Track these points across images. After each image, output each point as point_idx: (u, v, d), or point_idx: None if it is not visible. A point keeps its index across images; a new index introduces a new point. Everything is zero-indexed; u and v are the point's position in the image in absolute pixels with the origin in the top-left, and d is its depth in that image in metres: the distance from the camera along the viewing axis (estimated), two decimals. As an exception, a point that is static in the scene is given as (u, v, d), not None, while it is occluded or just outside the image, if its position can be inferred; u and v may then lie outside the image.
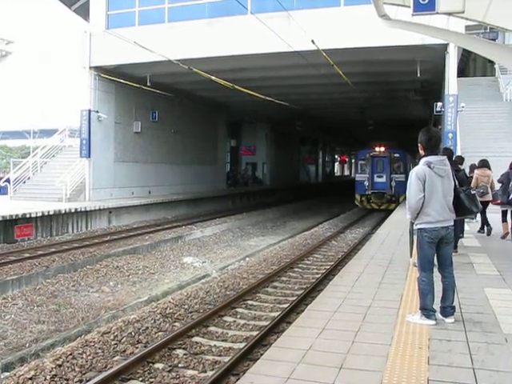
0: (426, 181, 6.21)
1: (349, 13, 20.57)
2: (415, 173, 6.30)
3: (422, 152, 6.61)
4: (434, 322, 6.22)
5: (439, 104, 21.89)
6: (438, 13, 10.62)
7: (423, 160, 6.41)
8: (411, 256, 10.07)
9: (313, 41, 18.24)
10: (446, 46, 20.16)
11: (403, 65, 23.13)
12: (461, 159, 12.84)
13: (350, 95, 30.12)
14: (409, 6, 10.92)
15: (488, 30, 31.83)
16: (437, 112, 22.36)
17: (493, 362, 5.05)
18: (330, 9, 21.33)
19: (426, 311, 6.29)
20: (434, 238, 6.27)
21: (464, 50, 20.94)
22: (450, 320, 6.32)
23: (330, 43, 19.76)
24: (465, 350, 5.38)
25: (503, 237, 13.45)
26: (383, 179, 31.84)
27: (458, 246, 11.43)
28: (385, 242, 13.24)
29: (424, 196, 6.19)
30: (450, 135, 20.64)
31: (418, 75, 22.75)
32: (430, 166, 6.26)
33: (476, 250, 11.68)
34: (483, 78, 36.36)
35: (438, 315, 6.37)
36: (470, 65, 41.35)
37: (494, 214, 14.22)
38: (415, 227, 6.47)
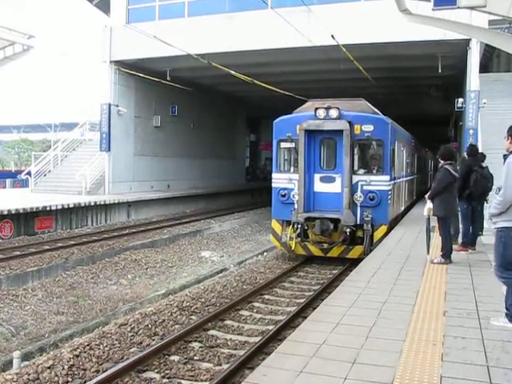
0: None
1: (369, 7, 20.44)
2: None
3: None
4: None
5: (460, 100, 21.61)
6: (459, 7, 10.51)
7: None
8: (428, 253, 10.02)
9: (333, 36, 18.15)
10: (468, 41, 19.92)
11: (424, 60, 22.90)
12: (483, 156, 12.71)
13: (370, 91, 29.90)
14: (429, 0, 10.83)
15: (514, 25, 31.33)
16: (458, 108, 22.09)
17: (508, 361, 5.01)
18: (350, 3, 21.24)
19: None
20: None
21: (487, 44, 20.63)
22: None
23: (349, 38, 19.65)
24: (479, 348, 5.35)
25: None
26: (334, 186, 14.27)
27: (476, 243, 11.33)
28: (402, 238, 13.17)
29: None
30: (471, 132, 20.40)
31: (439, 71, 22.52)
32: None
33: (495, 248, 11.53)
34: (507, 73, 35.78)
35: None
36: (494, 60, 40.72)
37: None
38: (497, 225, 5.98)
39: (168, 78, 26.56)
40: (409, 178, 20.39)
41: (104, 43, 25.83)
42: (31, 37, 25.74)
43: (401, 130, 18.33)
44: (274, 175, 15.01)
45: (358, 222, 13.81)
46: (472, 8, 11.84)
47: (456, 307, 6.81)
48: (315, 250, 14.32)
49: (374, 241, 13.52)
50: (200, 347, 8.31)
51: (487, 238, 12.69)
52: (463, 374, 4.67)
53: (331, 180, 14.28)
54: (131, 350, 8.17)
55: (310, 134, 14.10)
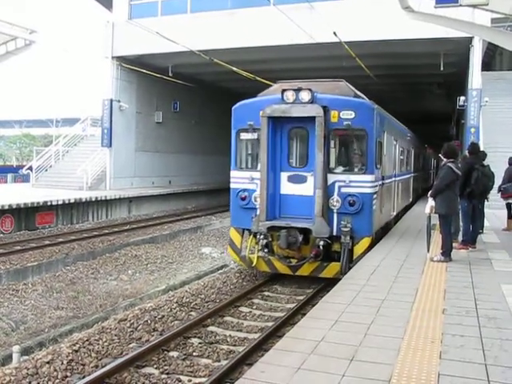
0: None
1: (371, 5, 20.41)
2: None
3: None
4: None
5: (462, 98, 21.64)
6: (461, 5, 10.51)
7: None
8: (428, 251, 10.02)
9: (335, 33, 18.12)
10: (470, 39, 19.95)
11: (426, 58, 22.89)
12: (484, 154, 12.70)
13: (372, 88, 29.85)
14: (431, -2, 10.81)
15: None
16: (460, 106, 22.12)
17: (506, 359, 5.00)
18: (352, 0, 21.19)
19: None
20: None
21: (490, 43, 20.62)
22: None
23: (352, 35, 19.63)
24: (478, 346, 5.34)
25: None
26: (305, 188, 11.60)
27: (477, 241, 11.33)
28: (403, 236, 13.15)
29: None
30: (473, 130, 20.43)
31: (441, 68, 22.52)
32: None
33: (495, 246, 11.55)
34: (509, 72, 35.71)
35: None
36: (496, 58, 40.65)
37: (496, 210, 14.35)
38: None
39: (170, 74, 26.56)
40: (403, 177, 17.98)
41: (106, 39, 25.85)
42: (33, 32, 25.72)
43: (392, 119, 15.41)
44: (233, 173, 12.25)
45: (335, 233, 11.17)
46: (474, 6, 11.86)
47: (455, 305, 6.80)
48: (281, 267, 11.64)
49: (355, 257, 10.98)
50: (199, 343, 8.32)
51: (487, 237, 12.72)
52: (461, 372, 4.67)
53: (302, 180, 11.53)
54: (130, 346, 8.18)
55: (275, 122, 11.45)
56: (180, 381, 6.90)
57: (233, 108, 12.29)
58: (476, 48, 20.35)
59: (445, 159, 9.93)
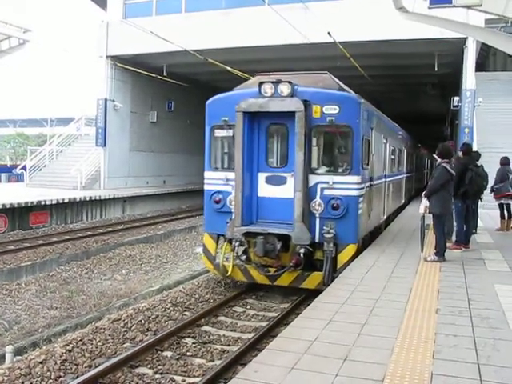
0: None
1: (366, 5, 20.45)
2: None
3: None
4: None
5: (456, 99, 21.73)
6: (454, 6, 10.54)
7: None
8: (422, 251, 10.04)
9: (329, 33, 18.15)
10: (464, 40, 20.01)
11: (421, 58, 22.94)
12: (477, 155, 12.76)
13: (367, 88, 29.90)
14: (426, -1, 10.84)
15: (510, 24, 31.37)
16: (454, 107, 22.21)
17: (499, 359, 5.02)
18: (346, 1, 21.22)
19: None
20: None
21: (484, 43, 20.70)
22: None
23: (346, 36, 19.66)
24: (471, 346, 5.36)
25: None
26: (285, 190, 10.64)
27: (470, 241, 11.36)
28: (397, 236, 13.18)
29: None
30: (467, 130, 20.50)
31: (436, 69, 22.58)
32: None
33: (488, 246, 11.59)
34: (503, 72, 35.85)
35: None
36: (490, 59, 40.81)
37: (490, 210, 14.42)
38: None
39: (165, 74, 26.53)
40: (395, 178, 17.09)
41: (101, 38, 25.81)
42: (27, 31, 25.65)
43: (382, 116, 14.32)
44: (206, 174, 11.30)
45: (317, 240, 10.26)
46: (468, 7, 11.89)
47: (448, 305, 6.82)
48: (258, 277, 10.73)
49: (339, 265, 10.09)
50: (193, 343, 8.32)
51: (481, 237, 12.76)
52: (454, 372, 4.68)
53: (281, 181, 10.61)
54: (124, 346, 8.17)
55: (251, 117, 10.55)
56: (174, 381, 6.89)
57: (207, 103, 11.49)
58: (470, 49, 20.42)
59: (439, 159, 9.97)
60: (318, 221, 10.27)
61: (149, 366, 7.39)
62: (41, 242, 17.29)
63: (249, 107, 10.38)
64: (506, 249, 11.29)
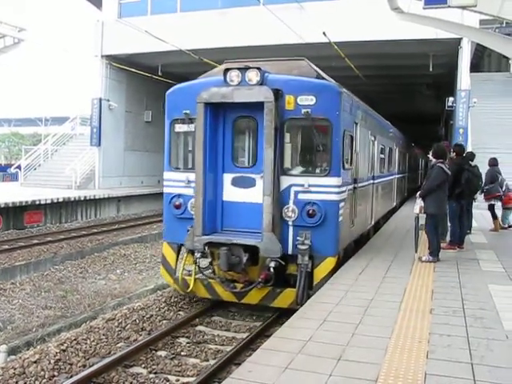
0: None
1: (361, 5, 20.52)
2: None
3: None
4: None
5: (451, 99, 21.82)
6: (449, 6, 10.56)
7: None
8: (416, 251, 10.06)
9: (324, 33, 18.16)
10: (459, 41, 20.08)
11: (415, 58, 23.01)
12: (472, 155, 12.79)
13: (362, 88, 29.94)
14: None
15: (504, 25, 31.48)
16: (448, 107, 22.29)
17: (492, 358, 5.04)
18: (342, 1, 21.28)
19: None
20: None
21: (478, 44, 20.77)
22: None
23: (341, 36, 19.70)
24: (464, 346, 5.38)
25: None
26: (254, 194, 9.23)
27: (464, 241, 11.39)
28: (391, 236, 13.21)
29: None
30: (461, 131, 20.58)
31: (431, 69, 22.67)
32: None
33: (482, 247, 11.63)
34: (497, 73, 35.96)
35: None
36: (485, 60, 40.96)
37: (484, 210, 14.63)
38: None
39: (159, 73, 26.50)
40: (384, 179, 15.92)
41: (96, 37, 25.80)
42: (22, 30, 25.55)
43: (369, 110, 12.93)
44: (166, 175, 10.02)
45: (290, 252, 8.95)
46: (463, 7, 11.90)
47: (443, 305, 6.84)
48: (224, 293, 9.37)
49: (316, 281, 8.81)
50: (187, 343, 8.30)
51: (475, 237, 12.80)
52: (448, 372, 4.70)
53: (250, 183, 9.28)
54: (118, 345, 8.15)
55: (215, 109, 9.22)
56: (168, 380, 6.88)
57: (166, 93, 9.99)
58: (465, 49, 20.50)
59: (434, 159, 9.98)
60: (291, 230, 8.96)
61: (143, 365, 7.37)
62: (35, 241, 17.25)
63: (211, 97, 9.02)
64: (500, 249, 11.35)
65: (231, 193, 9.42)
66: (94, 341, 8.17)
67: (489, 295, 7.43)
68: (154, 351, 7.84)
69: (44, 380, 6.78)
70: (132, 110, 28.67)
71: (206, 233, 9.10)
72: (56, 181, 25.50)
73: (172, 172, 9.86)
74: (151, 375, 7.04)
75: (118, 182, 27.46)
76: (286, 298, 8.90)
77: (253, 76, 8.82)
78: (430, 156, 10.33)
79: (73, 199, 22.05)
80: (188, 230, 9.21)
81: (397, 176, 19.64)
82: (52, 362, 7.23)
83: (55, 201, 20.95)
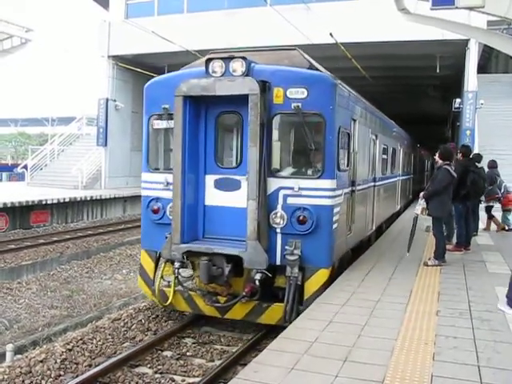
0: None
1: (367, 6, 20.46)
2: None
3: None
4: None
5: (458, 100, 21.74)
6: (457, 7, 10.49)
7: None
8: (408, 251, 9.92)
9: (331, 34, 18.14)
10: (466, 42, 20.02)
11: (422, 60, 22.94)
12: (479, 157, 12.74)
13: (368, 89, 29.87)
14: (428, 0, 10.82)
15: (512, 26, 31.36)
16: (455, 108, 22.21)
17: (499, 361, 5.02)
18: (349, 2, 21.27)
19: None
20: None
21: (486, 45, 20.71)
22: None
23: (348, 36, 19.69)
24: (471, 348, 5.36)
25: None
26: (239, 197, 8.25)
27: (471, 243, 11.34)
28: (397, 238, 13.17)
29: None
30: (468, 132, 20.51)
31: (438, 71, 22.60)
32: None
33: (489, 248, 11.59)
34: (505, 74, 35.84)
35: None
36: (492, 61, 40.82)
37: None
38: None
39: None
40: (387, 181, 15.01)
41: (102, 38, 25.86)
42: (29, 30, 25.70)
43: (370, 107, 11.89)
44: (144, 176, 9.15)
45: (278, 263, 8.06)
46: (470, 8, 11.82)
47: (449, 307, 6.82)
48: (205, 308, 8.48)
49: (306, 296, 7.91)
50: (193, 343, 8.31)
51: (481, 239, 12.75)
52: (454, 374, 4.68)
53: (234, 186, 8.41)
54: (124, 345, 8.17)
55: (196, 104, 8.38)
56: (173, 380, 6.89)
57: (144, 87, 9.17)
58: (472, 50, 20.44)
59: (440, 161, 9.91)
60: (279, 238, 8.05)
61: (149, 365, 7.38)
62: (41, 241, 17.29)
63: (190, 90, 8.14)
64: (507, 251, 11.29)
65: (214, 196, 8.56)
66: (99, 340, 8.20)
67: (495, 297, 7.40)
68: (159, 351, 7.85)
69: (50, 379, 6.81)
70: (138, 110, 28.63)
71: (185, 240, 8.21)
72: (62, 181, 25.58)
73: (150, 173, 9.03)
74: (157, 375, 7.05)
75: (124, 182, 27.51)
76: (273, 313, 8.01)
77: (237, 66, 7.97)
78: (437, 157, 10.25)
79: (79, 199, 22.11)
80: (166, 237, 8.35)
81: (401, 178, 18.78)
82: (58, 361, 7.26)
83: (61, 201, 21.01)
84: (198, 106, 8.39)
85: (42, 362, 7.18)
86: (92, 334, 8.44)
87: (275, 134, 8.24)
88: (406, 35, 19.43)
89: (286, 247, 7.91)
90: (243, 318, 8.29)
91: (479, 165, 12.17)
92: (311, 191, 7.95)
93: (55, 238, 17.80)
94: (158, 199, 8.71)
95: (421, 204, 9.65)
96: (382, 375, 4.64)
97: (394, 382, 4.50)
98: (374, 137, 12.10)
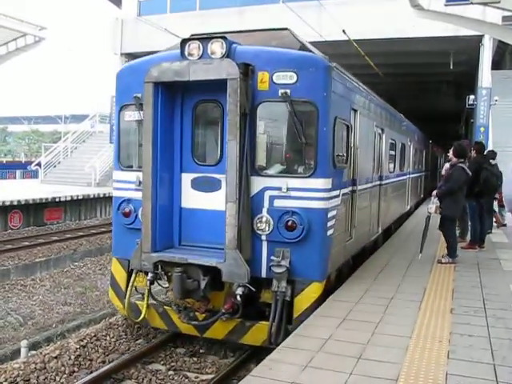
0: None
1: (381, 2, 20.32)
2: None
3: None
4: None
5: (472, 97, 21.52)
6: (472, 3, 10.44)
7: None
8: (421, 251, 9.57)
9: (344, 31, 18.04)
10: (480, 38, 19.82)
11: (436, 56, 22.76)
12: (493, 154, 12.62)
13: (381, 87, 29.72)
14: (441, -4, 10.76)
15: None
16: (469, 105, 21.98)
17: (515, 359, 4.99)
18: (361, -2, 21.12)
19: None
20: None
21: (500, 41, 20.52)
22: None
23: (360, 33, 19.54)
24: (486, 346, 5.32)
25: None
26: (220, 199, 7.04)
27: (485, 241, 11.25)
28: (411, 235, 13.09)
29: None
30: (482, 129, 20.32)
31: (451, 67, 22.40)
32: None
33: (503, 246, 11.50)
34: (519, 71, 35.52)
35: None
36: (507, 57, 40.40)
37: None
38: None
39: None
40: (395, 179, 13.90)
41: (115, 36, 25.95)
42: (43, 28, 25.81)
43: (374, 96, 10.55)
44: (115, 175, 8.23)
45: (264, 275, 7.00)
46: (485, 4, 11.76)
47: (463, 305, 6.77)
48: (182, 325, 7.45)
49: (296, 314, 6.86)
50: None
51: (496, 236, 12.66)
52: (469, 372, 4.65)
53: (214, 186, 7.36)
54: (138, 342, 8.21)
55: (170, 91, 7.28)
56: (187, 377, 6.91)
57: (116, 74, 7.97)
58: (486, 46, 20.24)
59: (455, 159, 9.77)
60: (264, 246, 6.98)
61: (162, 362, 7.41)
62: (55, 238, 17.40)
63: (161, 75, 7.00)
64: (522, 249, 11.20)
65: (191, 198, 7.49)
66: (113, 337, 8.24)
67: (510, 295, 7.35)
68: (173, 348, 7.87)
69: (64, 375, 6.86)
70: (151, 107, 28.80)
71: (158, 249, 7.16)
72: (75, 178, 25.73)
73: (121, 171, 8.01)
74: (170, 372, 7.08)
75: (136, 179, 27.58)
76: (257, 333, 6.94)
77: (216, 48, 6.81)
78: (450, 155, 10.12)
79: (92, 196, 22.23)
80: (136, 240, 7.31)
81: (411, 176, 17.56)
82: (72, 357, 7.31)
83: (75, 198, 21.14)
84: (173, 94, 7.32)
85: (56, 358, 7.23)
86: (105, 330, 8.48)
87: (260, 126, 7.11)
88: (418, 32, 19.31)
89: (273, 257, 6.84)
90: (224, 337, 7.27)
91: (493, 162, 12.04)
92: (302, 192, 6.88)
93: (68, 235, 17.91)
94: (129, 201, 7.71)
95: (434, 202, 9.46)
96: (396, 373, 4.62)
97: (408, 380, 4.47)
98: (379, 130, 10.98)
